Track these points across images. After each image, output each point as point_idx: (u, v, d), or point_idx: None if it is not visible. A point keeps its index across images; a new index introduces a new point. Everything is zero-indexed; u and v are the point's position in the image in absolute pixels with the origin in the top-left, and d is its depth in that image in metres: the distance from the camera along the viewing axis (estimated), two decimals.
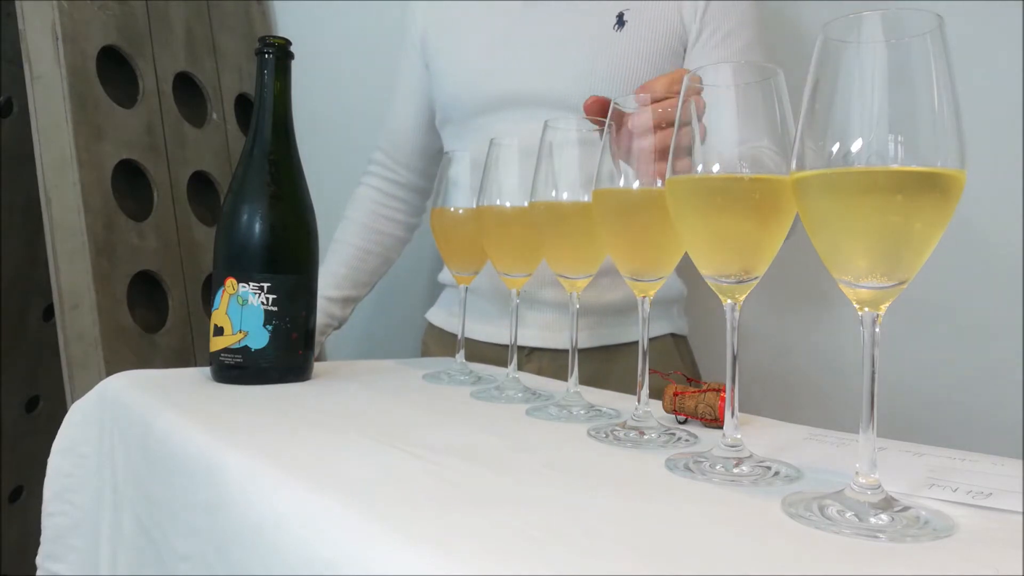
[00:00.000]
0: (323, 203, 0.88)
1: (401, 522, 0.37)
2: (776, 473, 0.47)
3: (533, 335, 1.03)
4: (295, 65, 0.82)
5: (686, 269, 1.03)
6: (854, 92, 0.38)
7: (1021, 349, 1.01)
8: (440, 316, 1.15)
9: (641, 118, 0.56)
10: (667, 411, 0.66)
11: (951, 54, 0.38)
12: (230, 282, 0.76)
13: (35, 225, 1.10)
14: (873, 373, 0.40)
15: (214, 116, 1.34)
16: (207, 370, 0.79)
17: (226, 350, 0.76)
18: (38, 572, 0.73)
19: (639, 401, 0.59)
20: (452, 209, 0.85)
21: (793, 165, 0.41)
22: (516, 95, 1.01)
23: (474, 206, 0.79)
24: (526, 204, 0.69)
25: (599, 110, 0.64)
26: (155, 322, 1.16)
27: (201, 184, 1.29)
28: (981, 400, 1.04)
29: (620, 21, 0.98)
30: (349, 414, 0.65)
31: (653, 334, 1.03)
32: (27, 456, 1.30)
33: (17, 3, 1.05)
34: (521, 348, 1.01)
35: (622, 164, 0.57)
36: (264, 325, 0.76)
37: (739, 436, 0.49)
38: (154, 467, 0.59)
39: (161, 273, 1.16)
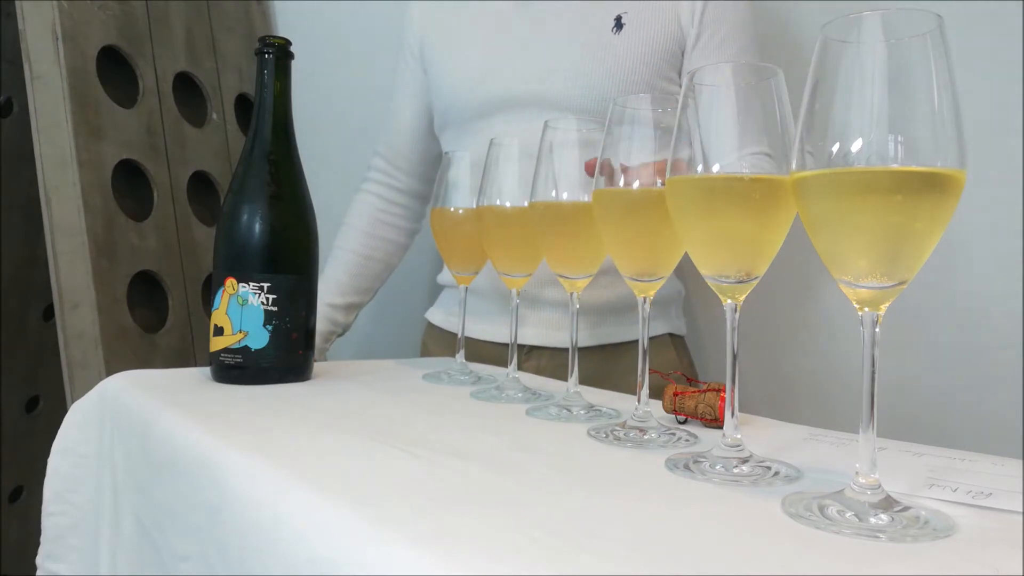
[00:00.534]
0: (323, 203, 0.88)
1: (401, 522, 0.37)
2: (776, 473, 0.47)
3: (533, 334, 1.03)
4: (295, 65, 0.82)
5: (685, 269, 1.04)
6: (854, 92, 0.38)
7: (1021, 349, 1.01)
8: (439, 316, 1.15)
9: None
10: (667, 411, 0.66)
11: (951, 54, 0.38)
12: (230, 282, 0.76)
13: (35, 225, 1.11)
14: (873, 373, 0.40)
15: (214, 116, 1.34)
16: (207, 370, 0.79)
17: (226, 350, 0.76)
18: (38, 572, 0.73)
19: (639, 401, 0.59)
20: (452, 209, 0.85)
21: (793, 165, 0.41)
22: (515, 97, 1.01)
23: (474, 206, 0.79)
24: (526, 204, 0.69)
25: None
26: (155, 322, 1.16)
27: (201, 184, 1.29)
28: (981, 400, 1.04)
29: (618, 23, 0.98)
30: (349, 414, 0.65)
31: (651, 334, 1.03)
32: (27, 456, 1.30)
33: (17, 3, 1.05)
34: (520, 346, 1.01)
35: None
36: (264, 325, 0.76)
37: (739, 436, 0.49)
38: (154, 467, 0.59)
39: (161, 273, 1.16)
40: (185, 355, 1.18)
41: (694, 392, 0.65)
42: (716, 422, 0.62)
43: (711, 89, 0.48)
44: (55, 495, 0.73)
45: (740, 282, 0.49)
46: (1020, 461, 0.52)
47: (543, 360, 1.04)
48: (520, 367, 0.95)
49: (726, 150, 0.47)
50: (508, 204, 0.75)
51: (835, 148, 0.38)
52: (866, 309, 0.41)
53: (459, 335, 0.89)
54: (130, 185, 1.15)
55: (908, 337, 1.08)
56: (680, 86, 1.00)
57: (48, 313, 1.33)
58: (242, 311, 0.75)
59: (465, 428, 0.61)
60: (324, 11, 1.52)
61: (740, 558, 0.34)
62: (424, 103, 1.14)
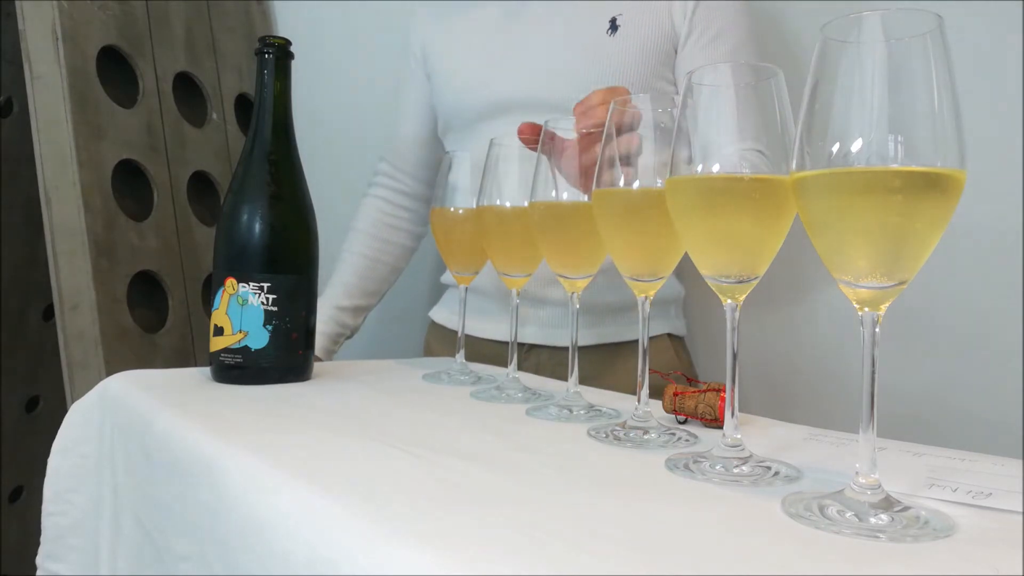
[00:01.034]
0: (323, 203, 0.88)
1: (401, 522, 0.37)
2: (776, 473, 0.48)
3: (534, 333, 1.04)
4: (295, 65, 0.83)
5: (685, 269, 1.04)
6: (854, 92, 0.38)
7: (1021, 349, 1.01)
8: (443, 314, 1.17)
9: (570, 143, 0.64)
10: (667, 411, 0.66)
11: (951, 54, 0.38)
12: (230, 282, 0.76)
13: (35, 225, 1.11)
14: (873, 373, 0.40)
15: (214, 116, 1.34)
16: (207, 370, 0.79)
17: (226, 350, 0.76)
18: (38, 572, 0.73)
19: (639, 401, 0.59)
20: (452, 209, 0.85)
21: (793, 165, 0.41)
22: (515, 100, 1.02)
23: (474, 206, 0.79)
24: (526, 204, 0.69)
25: (532, 133, 0.69)
26: (155, 322, 1.16)
27: (201, 184, 1.29)
28: (981, 400, 1.04)
29: (613, 26, 0.99)
30: (349, 414, 0.65)
31: (651, 334, 1.04)
32: (27, 456, 1.30)
33: (17, 3, 1.05)
34: (520, 345, 1.02)
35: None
36: (264, 325, 0.76)
37: (739, 436, 0.49)
38: (154, 467, 0.59)
39: (161, 273, 1.16)
40: (185, 355, 1.18)
41: (694, 392, 0.65)
42: (716, 422, 0.62)
43: (710, 89, 0.49)
44: (55, 495, 0.73)
45: (740, 282, 0.49)
46: (1020, 461, 0.52)
47: (543, 358, 1.04)
48: (520, 365, 0.95)
49: (724, 147, 0.47)
50: (508, 204, 0.75)
51: (835, 148, 0.38)
52: (866, 309, 0.41)
53: (459, 335, 0.89)
54: (130, 185, 1.15)
55: (908, 337, 1.08)
56: (675, 85, 1.01)
57: (48, 313, 1.33)
58: (242, 311, 0.75)
59: (465, 428, 0.61)
60: (324, 11, 1.52)
61: (740, 558, 0.34)
62: (428, 109, 1.17)
